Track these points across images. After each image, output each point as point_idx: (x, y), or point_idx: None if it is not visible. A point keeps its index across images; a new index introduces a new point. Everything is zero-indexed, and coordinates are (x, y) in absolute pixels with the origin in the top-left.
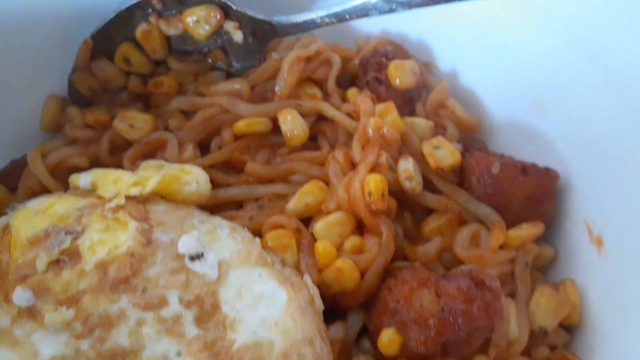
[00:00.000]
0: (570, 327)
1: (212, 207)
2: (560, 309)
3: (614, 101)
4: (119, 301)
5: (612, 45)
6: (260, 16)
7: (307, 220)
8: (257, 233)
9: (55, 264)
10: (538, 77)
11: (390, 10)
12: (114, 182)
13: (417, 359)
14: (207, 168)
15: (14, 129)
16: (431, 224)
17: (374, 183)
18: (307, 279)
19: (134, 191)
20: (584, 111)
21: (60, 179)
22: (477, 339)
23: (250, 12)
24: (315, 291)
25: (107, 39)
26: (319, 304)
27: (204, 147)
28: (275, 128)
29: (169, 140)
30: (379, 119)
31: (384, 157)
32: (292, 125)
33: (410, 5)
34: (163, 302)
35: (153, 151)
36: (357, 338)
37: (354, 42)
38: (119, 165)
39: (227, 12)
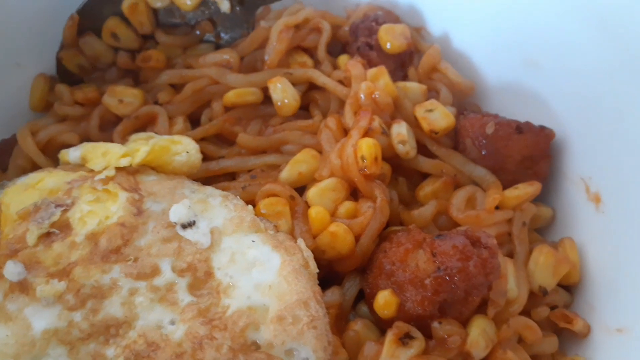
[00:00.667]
0: (571, 287)
1: (205, 180)
2: (559, 268)
3: (609, 56)
4: (111, 271)
5: None
6: None
7: (301, 189)
8: (251, 203)
9: (46, 237)
10: (531, 34)
11: None
12: (104, 154)
13: (415, 320)
14: (199, 141)
15: (3, 109)
16: (426, 188)
17: (367, 147)
18: (301, 242)
19: (124, 162)
20: (579, 67)
21: (51, 156)
22: (474, 298)
23: None
24: (309, 254)
25: (94, 14)
26: (313, 267)
27: (194, 121)
28: (267, 98)
29: (159, 113)
30: (371, 83)
31: (376, 122)
32: (283, 94)
33: None
34: (155, 271)
35: (143, 126)
36: (354, 303)
37: (343, 10)
38: (109, 141)
39: None
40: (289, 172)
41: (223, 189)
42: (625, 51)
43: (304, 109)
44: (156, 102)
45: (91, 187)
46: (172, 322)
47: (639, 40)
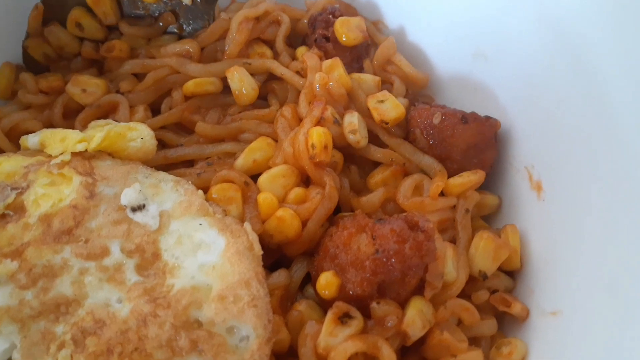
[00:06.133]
0: (513, 273)
1: (164, 167)
2: (499, 253)
3: (549, 48)
4: (62, 252)
5: None
6: None
7: (257, 177)
8: (206, 189)
9: (1, 218)
10: (481, 28)
11: None
12: (62, 140)
13: (355, 301)
14: (159, 129)
15: None
16: (376, 176)
17: (317, 135)
18: (247, 225)
19: (80, 147)
20: (522, 59)
21: (14, 143)
22: (411, 279)
23: None
24: (254, 237)
25: (59, 4)
26: (258, 249)
27: (155, 110)
28: (226, 88)
29: (120, 102)
30: (325, 74)
31: (329, 112)
32: (241, 83)
33: None
34: (105, 252)
35: (105, 114)
36: (302, 286)
37: (303, 3)
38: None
39: None
40: (244, 159)
41: (179, 176)
42: (563, 43)
43: (264, 99)
44: (118, 91)
45: (47, 171)
46: (119, 301)
47: (575, 32)
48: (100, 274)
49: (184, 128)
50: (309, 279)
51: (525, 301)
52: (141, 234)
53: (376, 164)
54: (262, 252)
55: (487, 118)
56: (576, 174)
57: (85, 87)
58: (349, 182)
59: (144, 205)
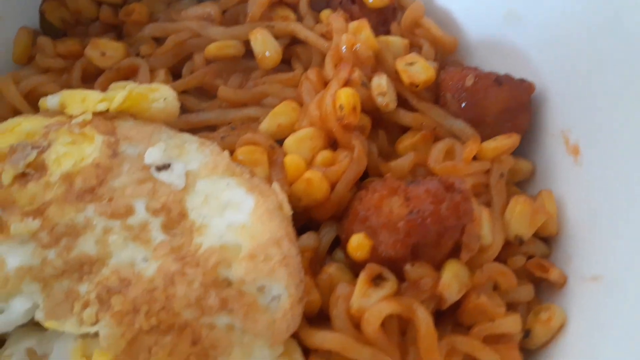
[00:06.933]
0: (549, 239)
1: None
2: (536, 217)
3: (589, 8)
4: (85, 210)
5: None
6: None
7: (282, 142)
8: (231, 153)
9: (21, 177)
10: None
11: None
12: (82, 100)
13: (387, 263)
14: (180, 94)
15: None
16: (406, 141)
17: (345, 96)
18: (276, 186)
19: (101, 107)
20: (558, 19)
21: (32, 107)
22: (446, 241)
23: None
24: (283, 197)
25: None
26: (287, 209)
27: (176, 75)
28: (248, 52)
29: (141, 65)
30: (352, 36)
31: (356, 74)
32: (264, 46)
33: None
34: (129, 211)
35: (124, 78)
36: (331, 250)
37: None
38: None
39: None
40: (268, 123)
41: None
42: (603, 5)
43: (287, 63)
44: (138, 55)
45: (68, 130)
46: (145, 260)
47: None
48: (124, 232)
49: (206, 93)
50: (337, 244)
51: (562, 267)
52: (167, 193)
53: (404, 130)
54: (291, 212)
55: (522, 81)
56: (616, 136)
57: (104, 50)
58: (377, 148)
59: (169, 165)
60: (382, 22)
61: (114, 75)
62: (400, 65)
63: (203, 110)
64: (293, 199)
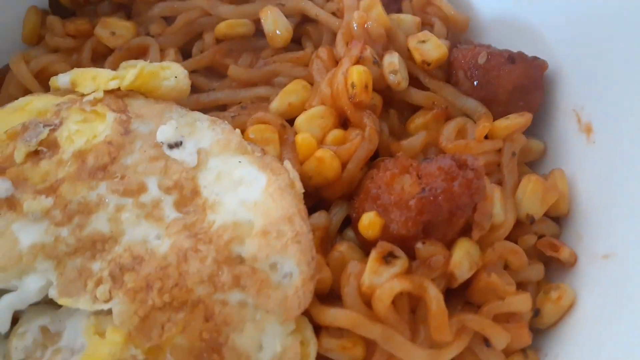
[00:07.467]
0: (560, 219)
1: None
2: (547, 196)
3: None
4: (98, 188)
5: None
6: None
7: (293, 121)
8: (242, 132)
9: (34, 155)
10: None
11: None
12: (93, 78)
13: (399, 242)
14: (190, 73)
15: None
16: (417, 120)
17: (357, 74)
18: (287, 164)
19: (112, 84)
20: None
21: (43, 86)
22: (459, 219)
23: None
24: (295, 175)
25: None
26: (300, 187)
27: (186, 54)
28: (258, 32)
29: (151, 45)
30: (364, 13)
31: (368, 51)
32: (275, 24)
33: None
34: (142, 188)
35: (135, 57)
36: (342, 230)
37: None
38: None
39: None
40: (279, 102)
41: None
42: None
43: (297, 42)
44: (148, 34)
45: (79, 108)
46: (158, 237)
47: None
48: (137, 210)
49: (216, 72)
50: (348, 224)
51: (572, 247)
52: (179, 171)
53: (416, 109)
54: (303, 190)
55: (535, 58)
56: (628, 114)
57: (114, 29)
58: (388, 127)
59: (180, 142)
60: (394, 0)
61: (124, 54)
62: (412, 43)
63: (213, 90)
64: (304, 178)
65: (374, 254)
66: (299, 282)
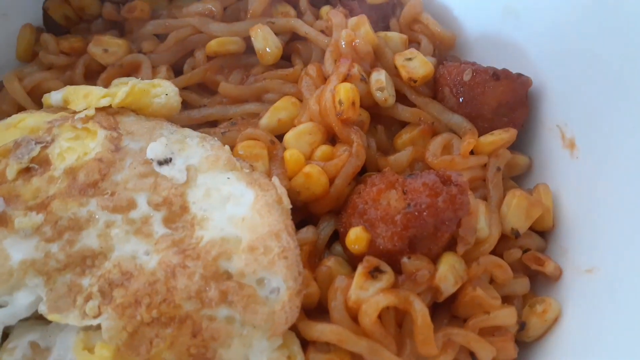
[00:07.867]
0: (545, 233)
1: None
2: (532, 211)
3: (585, 3)
4: (88, 205)
5: None
6: None
7: (282, 137)
8: (231, 148)
9: (25, 171)
10: None
11: None
12: (85, 96)
13: (385, 256)
14: (181, 90)
15: None
16: (404, 136)
17: (345, 91)
18: (275, 180)
19: (104, 102)
20: (555, 15)
21: (36, 103)
22: (443, 233)
23: None
24: (282, 191)
25: None
26: (287, 202)
27: (178, 71)
28: (249, 49)
29: (143, 62)
30: (351, 31)
31: (355, 69)
32: (265, 42)
33: None
34: (132, 205)
35: (127, 74)
36: (330, 244)
37: None
38: None
39: None
40: (268, 118)
41: None
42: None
43: (287, 59)
44: (140, 52)
45: (71, 125)
46: (147, 253)
47: None
48: (126, 226)
49: (207, 89)
50: (336, 239)
51: (557, 260)
52: (168, 187)
53: (403, 125)
54: (291, 206)
55: (519, 75)
56: (612, 130)
57: (107, 47)
58: (376, 142)
59: (170, 159)
60: (382, 18)
61: (117, 71)
62: (399, 60)
63: (204, 106)
64: (292, 193)
65: (360, 268)
66: (285, 297)
